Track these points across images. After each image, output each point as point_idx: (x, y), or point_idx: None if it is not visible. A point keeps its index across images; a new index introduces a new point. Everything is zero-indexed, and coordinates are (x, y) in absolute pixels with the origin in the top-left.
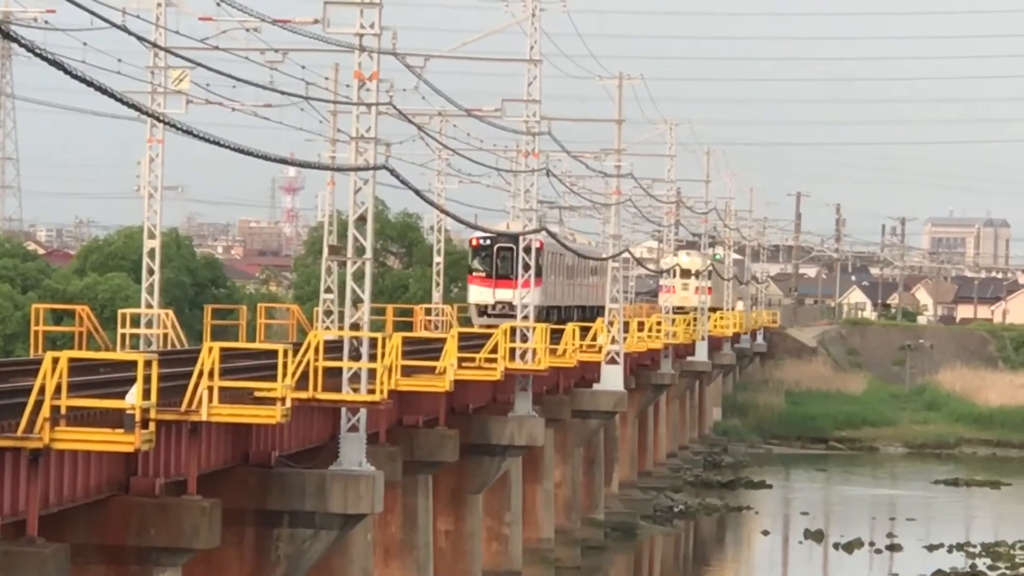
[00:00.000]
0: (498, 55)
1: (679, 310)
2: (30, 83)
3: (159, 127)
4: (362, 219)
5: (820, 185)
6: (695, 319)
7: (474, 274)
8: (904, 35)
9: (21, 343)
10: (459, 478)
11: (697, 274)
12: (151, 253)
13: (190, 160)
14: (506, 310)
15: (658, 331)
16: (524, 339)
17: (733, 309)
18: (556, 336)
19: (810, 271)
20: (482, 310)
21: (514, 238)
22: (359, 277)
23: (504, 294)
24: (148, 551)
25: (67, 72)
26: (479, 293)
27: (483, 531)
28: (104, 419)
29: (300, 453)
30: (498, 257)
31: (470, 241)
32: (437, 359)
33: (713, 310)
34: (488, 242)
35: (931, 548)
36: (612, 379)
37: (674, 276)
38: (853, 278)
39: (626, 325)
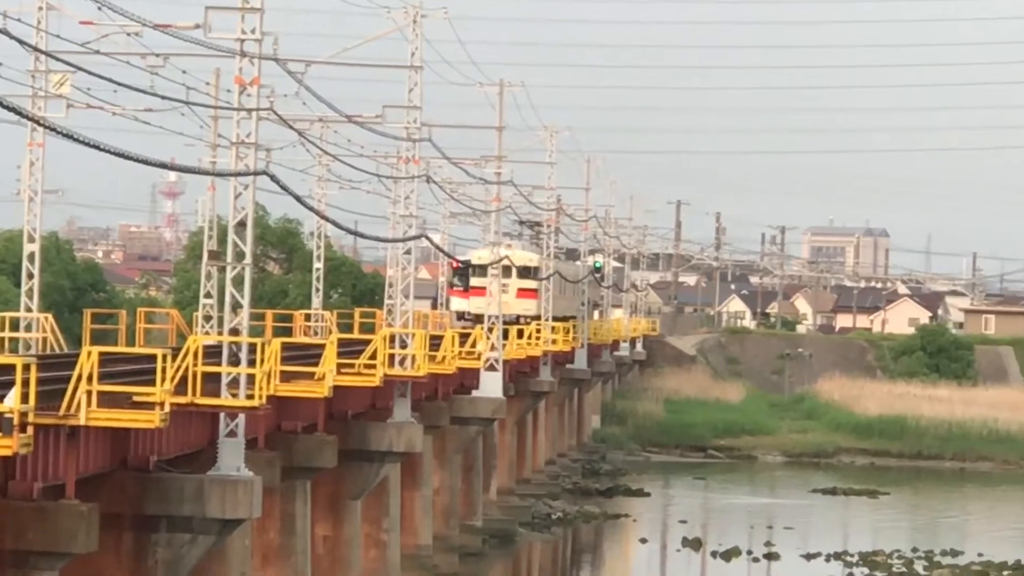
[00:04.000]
0: (379, 61)
1: (476, 319)
2: None
3: (40, 131)
4: (242, 224)
5: (700, 194)
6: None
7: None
8: (783, 44)
9: None
10: (337, 484)
11: (529, 271)
12: (31, 257)
13: (71, 164)
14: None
15: (538, 338)
16: (404, 345)
17: (577, 319)
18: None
19: (690, 279)
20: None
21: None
22: (239, 282)
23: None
24: (26, 555)
25: None
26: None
27: (361, 537)
28: None
29: (179, 458)
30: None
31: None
32: (316, 365)
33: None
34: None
35: (809, 557)
36: (491, 386)
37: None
38: (732, 287)
39: (505, 333)
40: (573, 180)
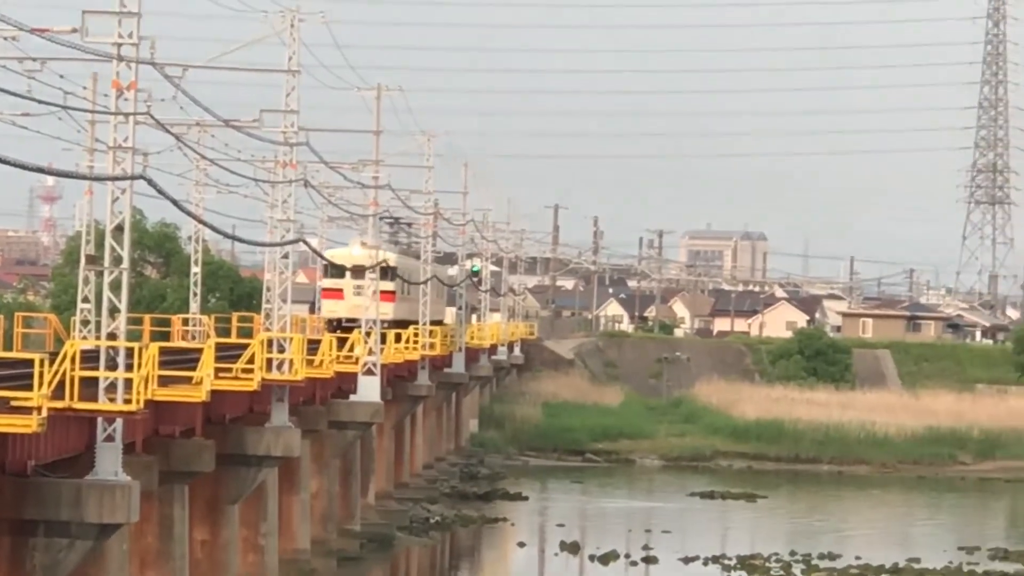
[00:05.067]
0: (257, 66)
1: (348, 324)
2: None
3: None
4: (119, 229)
5: (578, 198)
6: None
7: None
8: (657, 48)
9: None
10: (215, 488)
11: (385, 272)
12: None
13: None
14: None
15: (415, 343)
16: (281, 350)
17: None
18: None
19: (568, 283)
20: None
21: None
22: (116, 287)
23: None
24: None
25: None
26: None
27: (239, 541)
28: None
29: (57, 463)
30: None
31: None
32: (194, 369)
33: (402, 324)
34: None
35: (687, 560)
36: (369, 390)
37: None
38: (611, 290)
39: (383, 336)
40: (451, 184)
